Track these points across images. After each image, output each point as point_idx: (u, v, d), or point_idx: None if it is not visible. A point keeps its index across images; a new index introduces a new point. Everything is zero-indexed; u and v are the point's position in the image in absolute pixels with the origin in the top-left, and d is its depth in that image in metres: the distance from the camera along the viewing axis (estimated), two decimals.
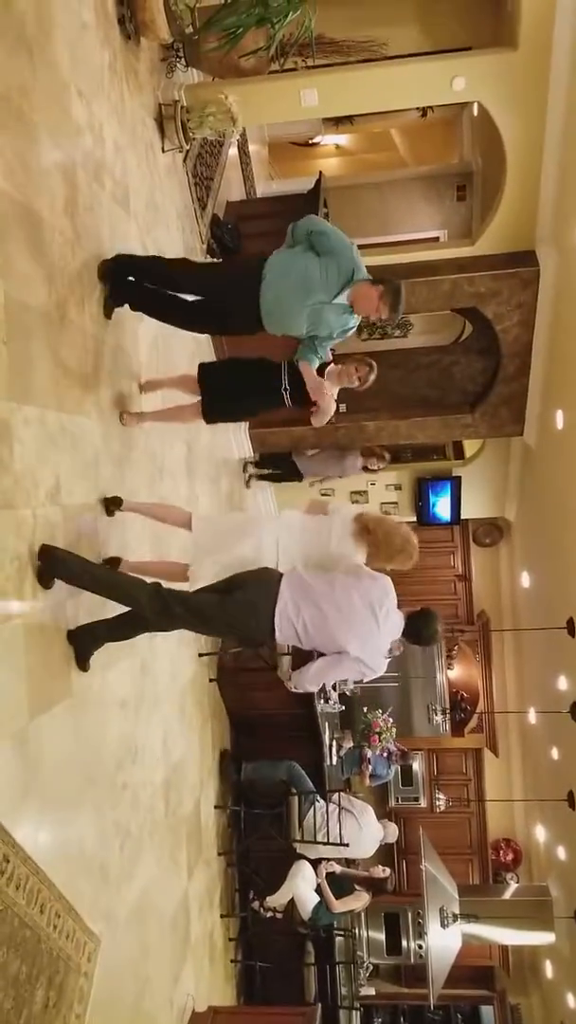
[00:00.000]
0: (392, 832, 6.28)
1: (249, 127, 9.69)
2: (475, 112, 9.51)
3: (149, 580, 3.32)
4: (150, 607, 3.21)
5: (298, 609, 3.20)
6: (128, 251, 4.23)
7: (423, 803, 9.13)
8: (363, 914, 8.12)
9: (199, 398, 4.45)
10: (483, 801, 8.89)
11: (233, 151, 8.76)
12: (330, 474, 8.07)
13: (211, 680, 5.87)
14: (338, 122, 10.87)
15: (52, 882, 2.86)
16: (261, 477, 8.19)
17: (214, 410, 4.47)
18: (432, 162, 10.77)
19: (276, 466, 8.08)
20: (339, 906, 5.72)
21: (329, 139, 11.97)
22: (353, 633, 3.23)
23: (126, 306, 4.15)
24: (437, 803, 8.87)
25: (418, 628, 3.42)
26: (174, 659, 4.90)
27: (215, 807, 5.69)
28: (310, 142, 11.92)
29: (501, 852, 9.45)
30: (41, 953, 2.72)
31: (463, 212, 9.66)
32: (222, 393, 4.45)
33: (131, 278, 4.07)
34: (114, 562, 3.73)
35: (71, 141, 3.75)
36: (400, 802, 9.05)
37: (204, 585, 3.50)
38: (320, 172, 7.73)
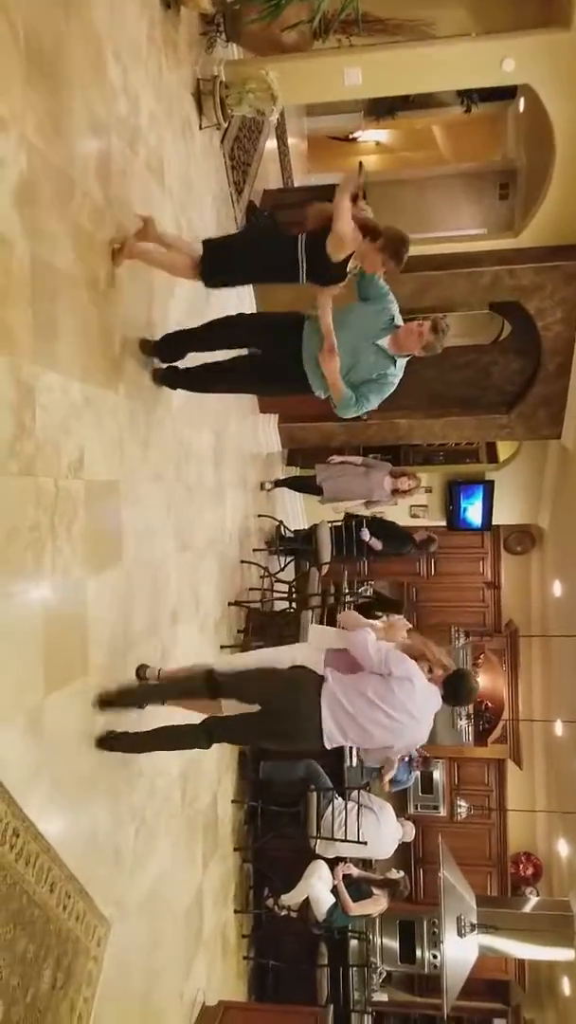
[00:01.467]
0: (410, 831, 6.12)
1: (289, 116, 9.65)
2: (521, 108, 9.35)
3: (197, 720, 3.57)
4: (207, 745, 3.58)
5: (344, 732, 3.39)
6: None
7: (442, 812, 8.94)
8: (378, 920, 7.95)
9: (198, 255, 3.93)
10: (505, 810, 8.66)
11: (271, 143, 8.69)
12: (353, 495, 6.96)
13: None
14: (379, 116, 10.77)
15: (63, 862, 2.77)
16: (280, 483, 7.54)
17: (215, 268, 3.91)
18: (474, 160, 10.61)
19: (297, 484, 7.55)
20: (356, 909, 5.57)
21: (369, 135, 11.85)
22: (401, 740, 3.52)
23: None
24: (458, 810, 8.66)
25: (457, 691, 3.56)
26: (196, 649, 4.79)
27: (232, 802, 5.58)
28: (350, 137, 11.82)
29: (521, 866, 9.21)
30: (49, 933, 2.62)
31: (505, 211, 9.47)
32: (227, 253, 3.96)
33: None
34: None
35: (105, 105, 3.65)
36: (419, 809, 8.86)
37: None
38: (360, 162, 7.60)
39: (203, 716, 3.61)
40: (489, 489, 8.52)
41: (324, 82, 5.77)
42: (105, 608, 3.38)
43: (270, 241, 4.11)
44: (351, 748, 6.13)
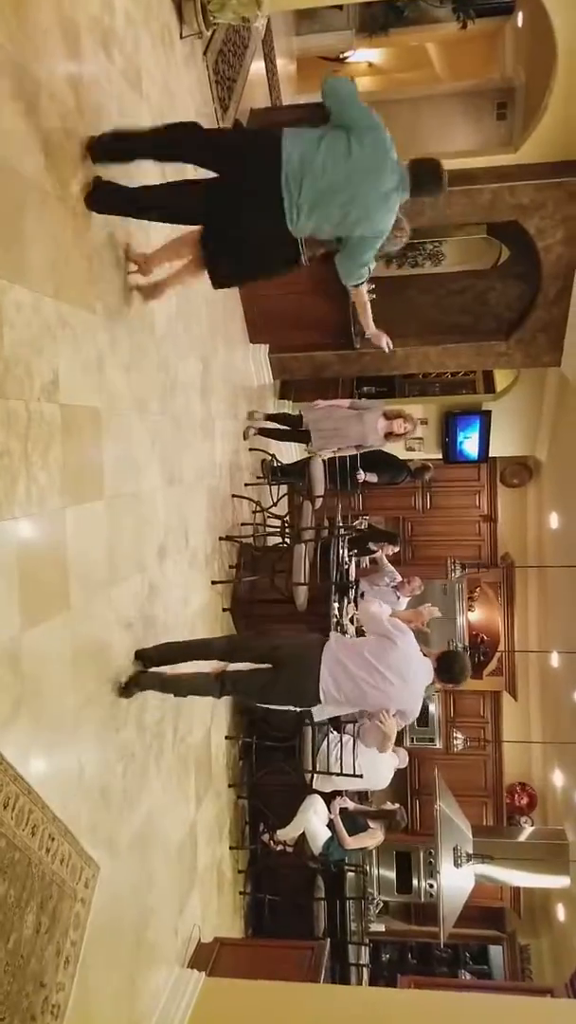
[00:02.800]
0: (404, 757, 6.10)
1: (277, 36, 9.12)
2: (519, 23, 8.87)
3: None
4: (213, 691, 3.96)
5: (340, 689, 3.68)
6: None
7: (439, 744, 8.99)
8: (375, 852, 8.06)
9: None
10: (500, 742, 8.72)
11: (259, 64, 8.21)
12: (344, 441, 6.46)
13: (224, 610, 5.65)
14: (372, 33, 10.21)
15: (46, 803, 2.67)
16: (263, 432, 6.88)
17: (220, 271, 3.65)
18: (471, 78, 10.09)
19: (284, 423, 6.85)
20: (352, 843, 5.58)
21: (361, 55, 11.26)
22: (392, 700, 3.78)
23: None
24: (455, 742, 8.70)
25: (450, 668, 3.87)
26: (186, 583, 4.67)
27: (226, 738, 5.53)
28: (341, 57, 11.22)
29: (516, 796, 9.33)
30: (32, 876, 2.53)
31: (503, 131, 9.03)
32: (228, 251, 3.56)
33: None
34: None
35: (74, 1, 3.35)
36: (415, 742, 8.90)
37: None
38: (351, 77, 7.18)
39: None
40: (486, 420, 8.31)
41: None
42: (86, 541, 3.23)
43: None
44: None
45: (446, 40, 10.44)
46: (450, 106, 9.59)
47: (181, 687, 3.86)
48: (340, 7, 9.96)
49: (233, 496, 6.01)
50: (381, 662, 3.68)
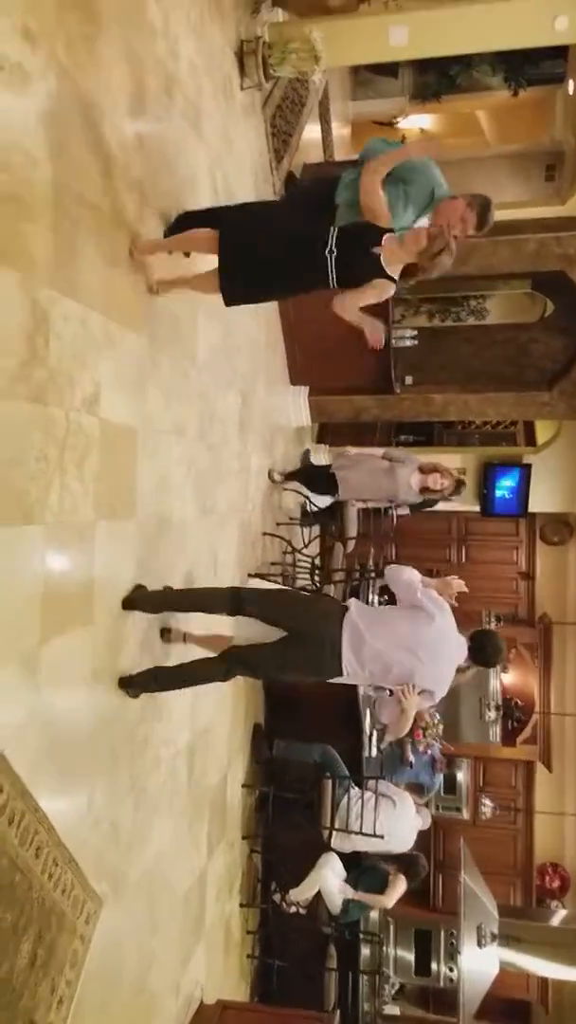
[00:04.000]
0: (426, 818, 5.80)
1: (333, 99, 9.42)
2: (571, 90, 9.04)
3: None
4: (226, 677, 3.52)
5: (363, 663, 3.25)
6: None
7: (465, 814, 8.57)
8: (392, 929, 7.62)
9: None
10: (531, 815, 8.29)
11: (315, 126, 8.46)
12: (376, 493, 6.13)
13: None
14: (425, 100, 10.49)
15: (52, 826, 2.53)
16: (291, 476, 6.49)
17: (236, 287, 3.37)
18: (520, 142, 10.29)
19: (309, 478, 6.50)
20: (382, 900, 5.26)
21: (413, 120, 11.58)
22: (419, 675, 3.29)
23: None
24: (483, 809, 8.29)
25: (483, 647, 3.48)
26: (211, 617, 4.54)
27: (243, 786, 5.32)
28: (394, 121, 11.54)
29: (547, 877, 8.81)
30: (32, 902, 2.38)
31: (551, 192, 9.14)
32: (248, 264, 3.33)
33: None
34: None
35: (142, 42, 3.48)
36: (440, 811, 8.49)
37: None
38: (403, 136, 7.35)
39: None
40: (526, 473, 8.13)
41: (369, 42, 5.53)
42: (115, 557, 3.16)
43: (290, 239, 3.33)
44: (370, 735, 5.86)
45: (497, 107, 10.68)
46: (499, 167, 9.76)
47: (183, 678, 3.50)
48: (395, 75, 10.28)
49: (264, 534, 5.93)
50: (412, 638, 3.25)
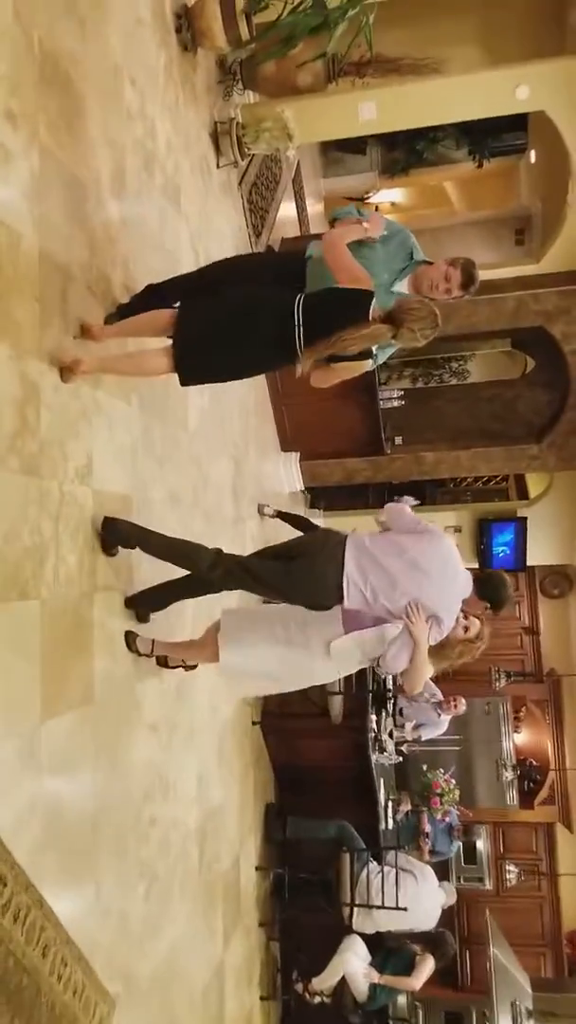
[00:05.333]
0: (451, 893, 5.53)
1: (307, 179, 9.77)
2: (532, 159, 9.42)
3: (210, 546, 3.23)
4: (212, 572, 3.16)
5: (365, 575, 3.02)
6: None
7: (488, 885, 8.21)
8: (420, 1013, 7.20)
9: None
10: (556, 879, 7.94)
11: (290, 204, 8.74)
12: None
13: (254, 723, 5.34)
14: (394, 174, 10.89)
15: (60, 921, 2.37)
16: (279, 515, 6.28)
17: (188, 362, 2.90)
18: (488, 209, 10.65)
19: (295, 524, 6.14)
20: (414, 983, 4.95)
21: (384, 195, 12.00)
22: (423, 593, 3.02)
23: None
24: (507, 876, 7.94)
25: (495, 586, 3.35)
26: (214, 690, 4.42)
27: (256, 868, 5.08)
28: (365, 197, 11.95)
29: None
30: (40, 1007, 2.20)
31: (522, 255, 9.42)
32: (203, 337, 2.90)
33: None
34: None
35: (121, 123, 3.58)
36: (462, 882, 8.13)
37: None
38: (376, 206, 7.59)
39: (201, 658, 3.48)
40: (522, 527, 8.09)
41: (339, 118, 5.75)
42: (114, 630, 3.07)
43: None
44: (385, 806, 5.64)
45: (463, 178, 11.09)
46: (469, 234, 10.08)
47: (163, 549, 3.20)
48: (363, 152, 10.69)
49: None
50: (420, 554, 3.04)
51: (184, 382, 3.04)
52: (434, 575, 3.02)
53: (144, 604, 3.32)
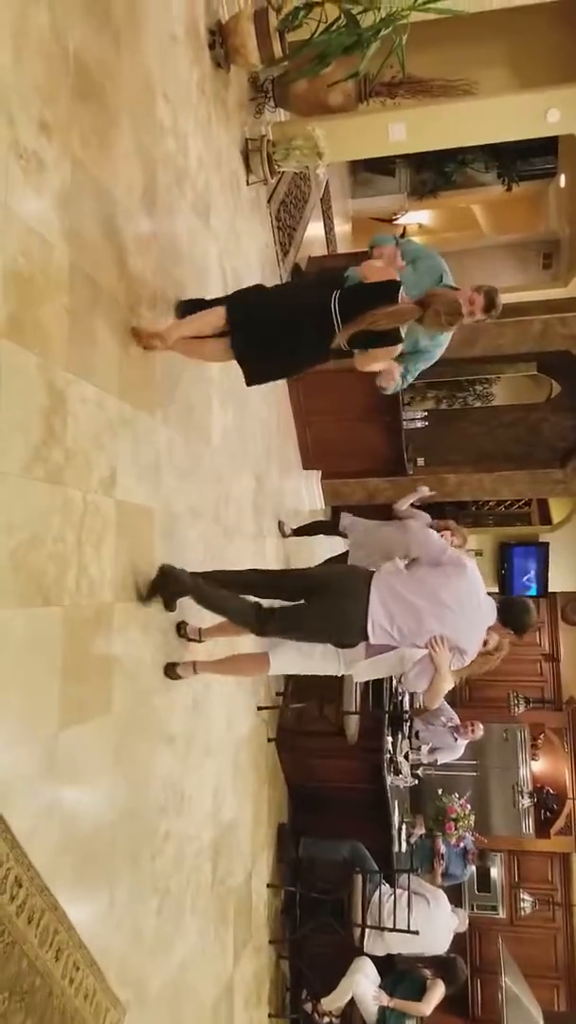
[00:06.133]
0: (463, 919, 5.45)
1: (335, 198, 9.86)
2: (562, 184, 9.43)
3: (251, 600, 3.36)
4: (251, 623, 3.34)
5: (391, 616, 3.14)
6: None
7: (502, 913, 8.09)
8: None
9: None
10: (572, 909, 7.81)
11: (318, 224, 8.83)
12: (390, 552, 6.07)
13: (269, 740, 5.33)
14: (422, 196, 10.97)
15: (72, 925, 2.37)
16: (298, 532, 6.34)
17: (249, 367, 3.39)
18: (516, 232, 10.67)
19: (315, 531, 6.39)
20: (425, 1008, 4.89)
21: (413, 216, 12.07)
22: (448, 628, 3.16)
23: None
24: (522, 905, 7.82)
25: (517, 613, 3.45)
26: (231, 705, 4.42)
27: (268, 886, 5.04)
28: (393, 218, 12.04)
29: None
30: (52, 1010, 2.21)
31: (549, 279, 9.42)
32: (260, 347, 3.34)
33: None
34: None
35: (153, 138, 3.64)
36: (475, 910, 8.01)
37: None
38: (404, 228, 7.63)
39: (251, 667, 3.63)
40: (544, 552, 8.06)
41: (369, 138, 5.81)
42: (133, 643, 3.09)
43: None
44: (399, 828, 5.59)
45: (492, 201, 11.13)
46: (496, 257, 10.09)
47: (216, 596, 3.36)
48: (392, 174, 10.77)
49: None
50: (444, 588, 3.16)
51: (250, 383, 3.44)
52: (459, 610, 3.14)
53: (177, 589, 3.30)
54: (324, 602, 3.20)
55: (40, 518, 2.44)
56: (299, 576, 3.55)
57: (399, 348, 3.28)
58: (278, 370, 3.59)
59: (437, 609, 3.11)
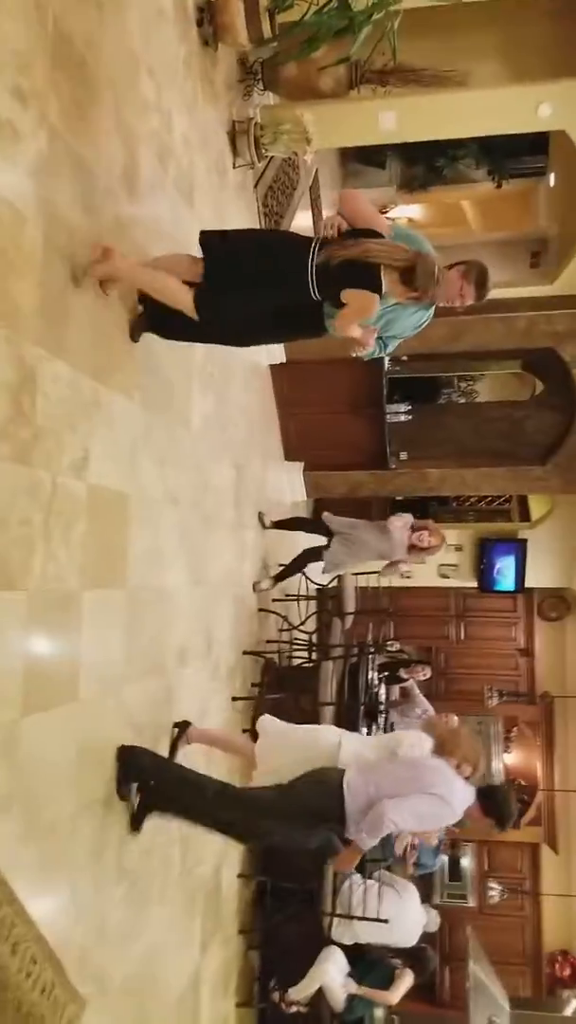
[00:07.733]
0: (435, 919, 5.47)
1: (324, 189, 9.77)
2: (552, 183, 9.41)
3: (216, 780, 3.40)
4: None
5: (366, 782, 3.27)
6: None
7: (471, 902, 8.16)
8: None
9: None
10: (539, 900, 7.88)
11: (306, 213, 8.74)
12: (369, 553, 5.84)
13: (244, 731, 5.28)
14: (412, 190, 10.89)
15: (31, 918, 2.32)
16: (278, 525, 6.16)
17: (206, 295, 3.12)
18: (505, 230, 10.64)
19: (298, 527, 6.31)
20: (395, 997, 4.92)
21: (402, 210, 11.99)
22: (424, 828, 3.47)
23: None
24: (490, 894, 7.88)
25: (498, 803, 3.46)
26: (205, 695, 4.39)
27: (238, 876, 5.02)
28: (383, 212, 11.95)
29: (557, 965, 8.33)
30: (7, 1005, 2.16)
31: (537, 278, 9.39)
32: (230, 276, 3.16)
33: None
34: (183, 726, 3.77)
35: (136, 114, 3.55)
36: (446, 898, 8.08)
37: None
38: (393, 221, 7.56)
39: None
40: (522, 549, 8.09)
41: (359, 125, 5.75)
42: (102, 630, 3.03)
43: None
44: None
45: (481, 198, 11.08)
46: (485, 254, 9.99)
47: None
48: (383, 166, 10.68)
49: (260, 610, 5.79)
50: (417, 786, 3.27)
51: (197, 311, 3.10)
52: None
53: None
54: (296, 791, 3.33)
55: (4, 499, 2.37)
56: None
57: (376, 304, 3.08)
58: (242, 308, 3.21)
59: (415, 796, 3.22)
